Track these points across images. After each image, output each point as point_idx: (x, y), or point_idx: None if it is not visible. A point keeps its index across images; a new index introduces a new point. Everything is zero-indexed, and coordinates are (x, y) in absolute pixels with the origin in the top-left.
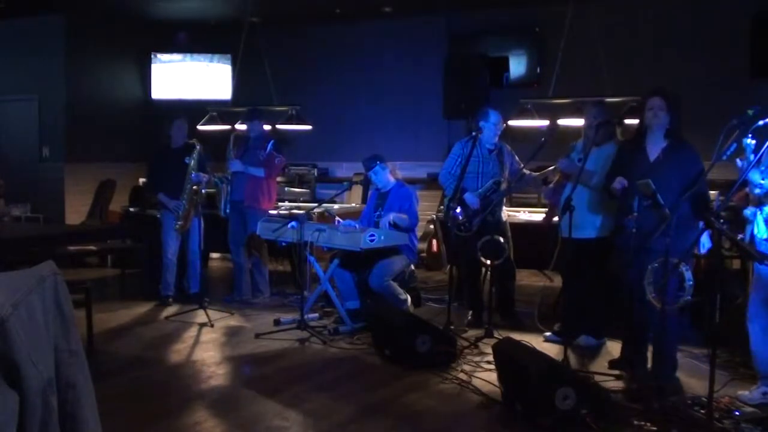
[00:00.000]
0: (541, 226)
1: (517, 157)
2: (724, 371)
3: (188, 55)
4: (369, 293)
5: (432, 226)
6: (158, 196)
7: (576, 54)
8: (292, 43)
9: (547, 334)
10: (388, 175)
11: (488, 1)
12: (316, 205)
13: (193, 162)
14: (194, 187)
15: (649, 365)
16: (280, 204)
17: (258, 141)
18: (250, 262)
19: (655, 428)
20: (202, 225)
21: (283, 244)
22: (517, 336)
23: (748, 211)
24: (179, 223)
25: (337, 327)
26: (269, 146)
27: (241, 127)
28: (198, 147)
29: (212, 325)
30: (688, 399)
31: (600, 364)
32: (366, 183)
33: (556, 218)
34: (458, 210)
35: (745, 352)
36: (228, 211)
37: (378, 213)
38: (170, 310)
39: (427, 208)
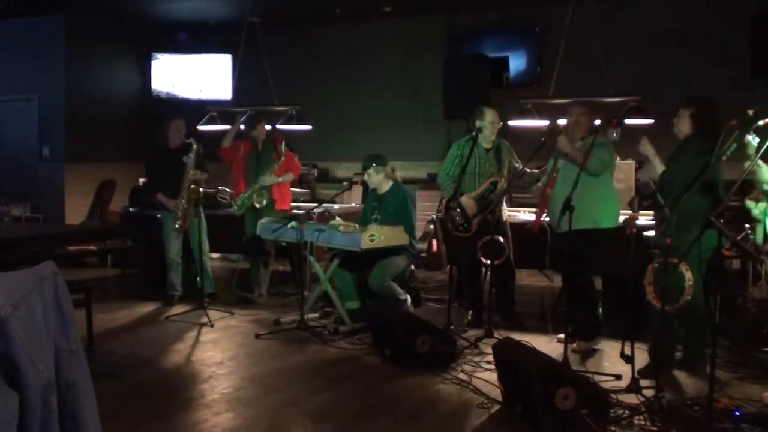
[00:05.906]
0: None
1: (515, 155)
2: (724, 371)
3: (188, 55)
4: (369, 293)
5: (432, 226)
6: (157, 196)
7: (576, 54)
8: (292, 43)
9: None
10: (381, 178)
11: (488, 1)
12: (316, 205)
13: (190, 161)
14: (192, 186)
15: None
16: None
17: (268, 144)
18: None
19: (655, 428)
20: (204, 223)
21: (283, 244)
22: (517, 336)
23: (757, 210)
24: (179, 222)
25: (337, 327)
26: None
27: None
28: (194, 146)
29: (212, 325)
30: (688, 399)
31: (600, 364)
32: (366, 183)
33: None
34: (457, 211)
35: (745, 352)
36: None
37: (374, 216)
38: (171, 310)
39: (427, 208)
